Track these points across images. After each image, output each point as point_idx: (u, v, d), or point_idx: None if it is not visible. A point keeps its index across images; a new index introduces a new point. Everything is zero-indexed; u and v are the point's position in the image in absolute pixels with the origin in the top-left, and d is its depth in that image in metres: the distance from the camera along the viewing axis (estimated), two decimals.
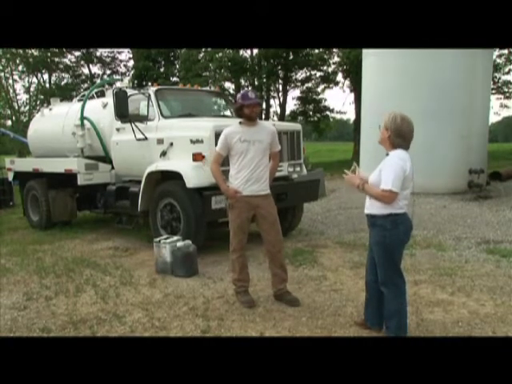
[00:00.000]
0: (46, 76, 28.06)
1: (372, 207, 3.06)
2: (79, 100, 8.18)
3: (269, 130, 4.07)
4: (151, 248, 5.35)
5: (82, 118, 7.19)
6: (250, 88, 22.46)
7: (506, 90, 23.04)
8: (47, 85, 27.82)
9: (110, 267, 5.38)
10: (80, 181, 6.98)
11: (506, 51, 21.34)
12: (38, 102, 27.15)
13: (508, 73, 22.34)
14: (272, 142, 4.05)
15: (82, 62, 27.87)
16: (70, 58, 27.11)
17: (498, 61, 21.40)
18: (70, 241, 6.95)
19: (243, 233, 4.02)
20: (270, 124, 4.55)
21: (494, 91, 21.59)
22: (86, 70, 28.40)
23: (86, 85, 26.83)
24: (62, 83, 27.98)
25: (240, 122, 4.00)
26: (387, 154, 3.04)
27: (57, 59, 26.72)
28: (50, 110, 8.69)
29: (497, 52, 20.37)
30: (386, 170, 2.93)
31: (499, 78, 22.46)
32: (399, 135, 2.96)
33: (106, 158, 7.09)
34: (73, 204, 7.80)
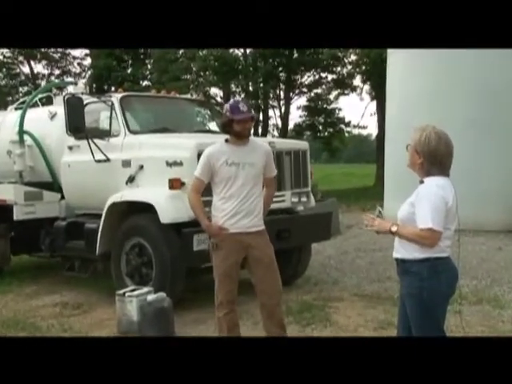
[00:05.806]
0: None
1: (403, 250, 3.05)
2: (17, 108, 8.25)
3: (263, 150, 4.15)
4: (113, 303, 5.33)
5: (22, 131, 7.23)
6: (242, 96, 22.76)
7: None
8: None
9: (56, 330, 5.33)
10: (17, 215, 6.96)
11: None
12: None
13: None
14: (266, 166, 4.11)
15: (21, 58, 27.91)
16: (4, 51, 26.91)
17: None
18: (1, 296, 6.87)
19: (232, 281, 4.02)
20: (264, 142, 4.63)
21: None
22: (26, 69, 28.57)
23: (26, 88, 27.05)
24: None
25: (226, 140, 4.05)
26: (421, 182, 2.98)
27: None
28: None
29: None
30: (421, 202, 2.87)
31: None
32: (435, 161, 2.89)
33: (54, 185, 7.13)
34: (5, 246, 7.68)
